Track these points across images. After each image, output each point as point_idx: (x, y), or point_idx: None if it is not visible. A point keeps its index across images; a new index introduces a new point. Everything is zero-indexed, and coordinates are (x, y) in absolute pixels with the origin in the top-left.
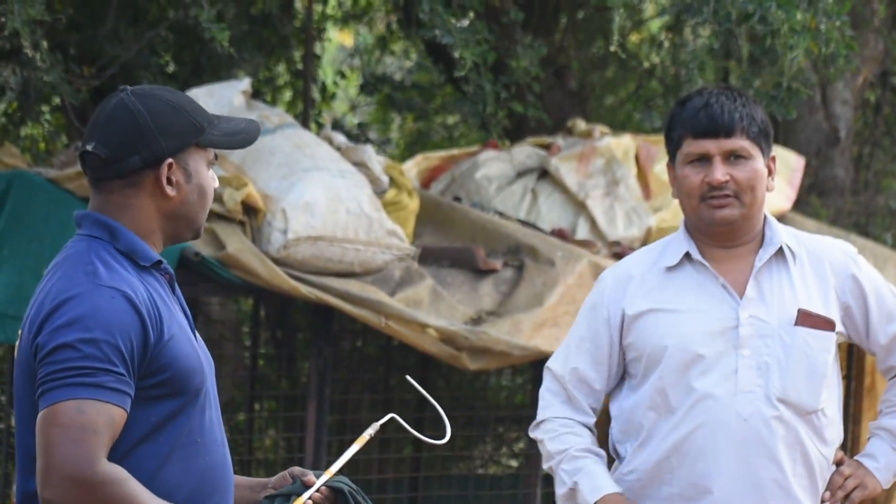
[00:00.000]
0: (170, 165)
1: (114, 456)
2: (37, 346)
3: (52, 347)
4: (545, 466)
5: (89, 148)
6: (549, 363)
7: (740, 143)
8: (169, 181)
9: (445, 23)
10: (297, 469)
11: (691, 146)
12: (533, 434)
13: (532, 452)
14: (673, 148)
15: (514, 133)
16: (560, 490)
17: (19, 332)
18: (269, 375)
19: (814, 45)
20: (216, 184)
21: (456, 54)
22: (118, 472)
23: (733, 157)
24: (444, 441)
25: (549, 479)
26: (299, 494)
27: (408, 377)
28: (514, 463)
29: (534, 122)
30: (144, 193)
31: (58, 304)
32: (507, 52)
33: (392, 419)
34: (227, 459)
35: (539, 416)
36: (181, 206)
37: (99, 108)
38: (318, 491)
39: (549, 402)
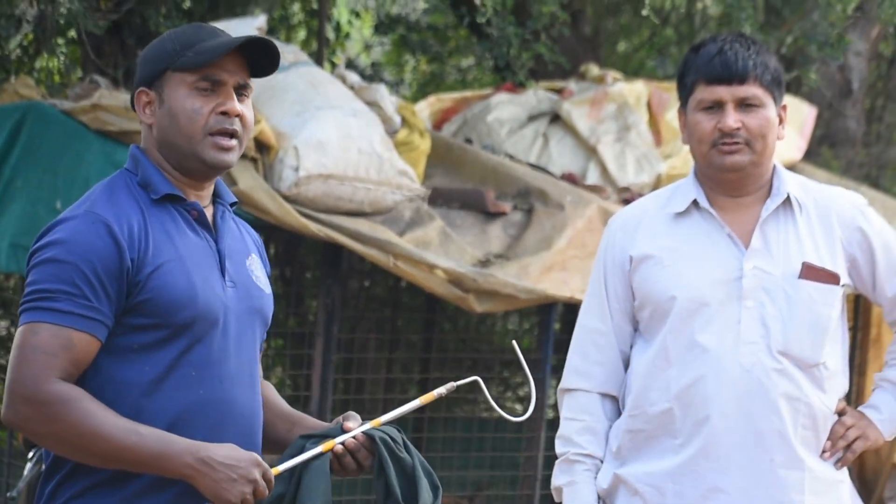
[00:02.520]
0: (143, 93)
1: (97, 380)
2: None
3: (30, 269)
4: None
5: None
6: (580, 320)
7: (753, 90)
8: (147, 109)
9: None
10: (351, 413)
11: (704, 92)
12: (559, 398)
13: (537, 397)
14: (685, 94)
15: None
16: (553, 480)
17: None
18: (277, 313)
19: None
20: (227, 107)
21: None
22: (70, 391)
23: (745, 104)
24: (524, 418)
25: (552, 423)
26: (334, 437)
27: (514, 343)
28: (518, 407)
29: (551, 65)
30: (144, 125)
31: (47, 228)
32: None
33: (474, 381)
34: (237, 399)
35: (566, 381)
36: (159, 132)
37: None
38: (354, 438)
39: (576, 365)
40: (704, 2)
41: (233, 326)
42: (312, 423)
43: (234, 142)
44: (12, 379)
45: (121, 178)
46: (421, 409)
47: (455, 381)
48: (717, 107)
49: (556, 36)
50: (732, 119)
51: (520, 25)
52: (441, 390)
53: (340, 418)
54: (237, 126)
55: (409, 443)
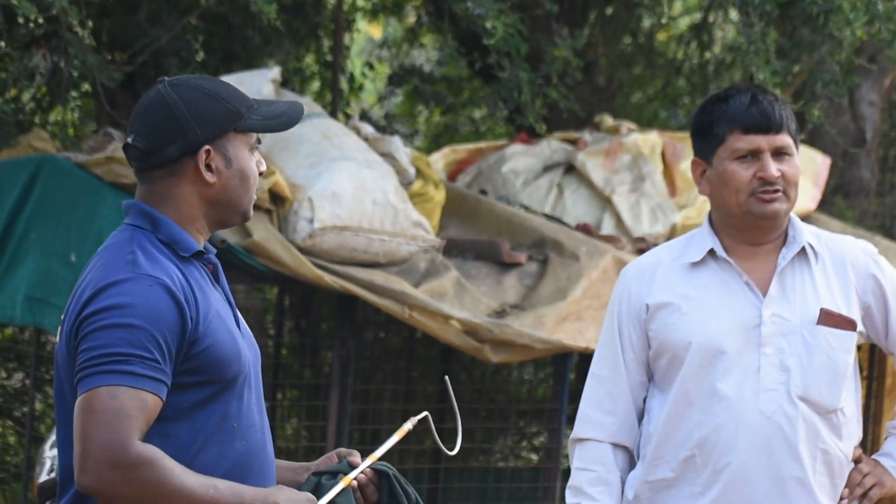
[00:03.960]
0: (207, 152)
1: (150, 441)
2: (76, 333)
3: (88, 333)
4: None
5: (130, 140)
6: (592, 369)
7: (787, 139)
8: (209, 168)
9: None
10: (343, 450)
11: (740, 142)
12: (570, 448)
13: (552, 447)
14: (714, 144)
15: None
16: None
17: (59, 326)
18: (293, 364)
19: (861, 27)
20: (263, 167)
21: (487, 24)
22: (152, 451)
23: (780, 153)
24: (454, 453)
25: (568, 473)
26: (345, 473)
27: (446, 378)
28: (534, 457)
29: (566, 112)
30: (186, 181)
31: (96, 291)
32: (539, 45)
33: (424, 417)
34: (266, 445)
35: (578, 431)
36: (223, 192)
37: (139, 101)
38: (363, 473)
39: (588, 415)
40: (713, 51)
41: (252, 377)
42: (286, 464)
43: None
44: (93, 444)
45: (139, 235)
46: (437, 460)
47: (470, 433)
48: (751, 156)
49: (570, 84)
50: (774, 168)
51: (533, 71)
52: (408, 424)
53: (334, 454)
54: None
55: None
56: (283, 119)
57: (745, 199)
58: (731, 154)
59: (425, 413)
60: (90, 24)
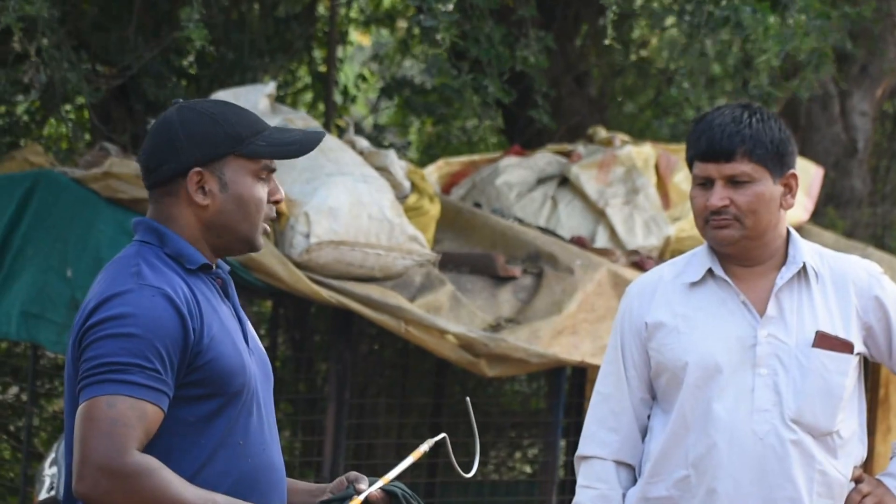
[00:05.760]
0: (200, 174)
1: (153, 454)
2: (79, 344)
3: (91, 342)
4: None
5: (137, 158)
6: (597, 387)
7: (741, 167)
8: (203, 190)
9: (432, 8)
10: (353, 474)
11: (697, 168)
12: (576, 466)
13: (548, 460)
14: (689, 167)
15: (535, 140)
16: None
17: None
18: (286, 377)
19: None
20: (278, 196)
21: (437, 37)
22: (149, 461)
23: (734, 181)
24: (470, 475)
25: (564, 486)
26: (352, 498)
27: (467, 400)
28: (528, 469)
29: (539, 124)
30: (181, 202)
31: (100, 302)
32: (512, 51)
33: (442, 439)
34: (275, 464)
35: (582, 448)
36: (218, 216)
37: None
38: (375, 493)
39: (593, 432)
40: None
41: (261, 393)
42: (303, 486)
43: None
44: (90, 452)
45: (146, 250)
46: (432, 474)
47: (465, 446)
48: (708, 183)
49: (550, 95)
50: (717, 197)
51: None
52: (424, 446)
53: (345, 479)
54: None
55: (418, 499)
56: (295, 147)
57: (702, 225)
58: (693, 180)
59: (443, 435)
60: (63, 35)
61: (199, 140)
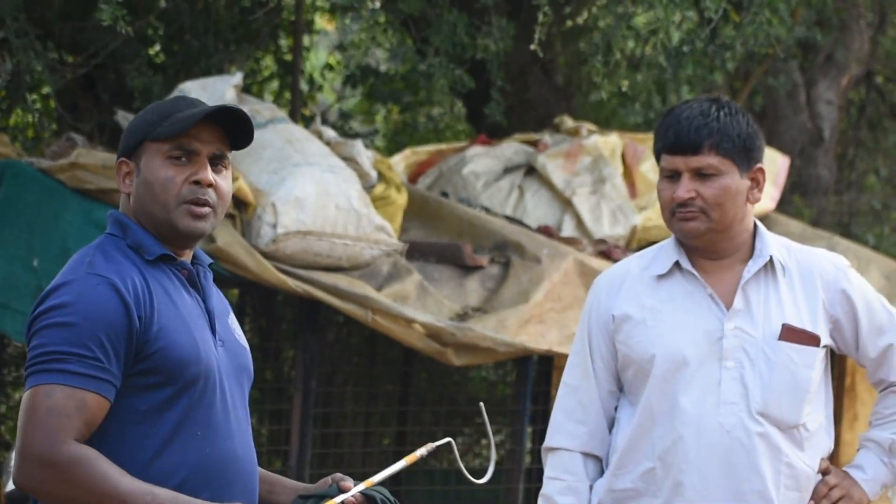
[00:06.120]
0: (124, 164)
1: (105, 443)
2: (29, 331)
3: (35, 331)
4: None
5: None
6: (564, 378)
7: (707, 160)
8: (129, 178)
9: None
10: (338, 475)
11: (664, 161)
12: (543, 457)
13: (515, 448)
14: (657, 159)
15: (503, 129)
16: None
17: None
18: (254, 366)
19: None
20: (201, 176)
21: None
22: (86, 451)
23: (700, 173)
24: (483, 481)
25: (530, 474)
26: (332, 497)
27: (481, 405)
28: (493, 453)
29: (503, 121)
30: (122, 194)
31: (48, 291)
32: (474, 38)
33: (448, 443)
34: (241, 455)
35: (549, 440)
36: (136, 202)
37: None
38: (353, 497)
39: (560, 424)
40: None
41: (227, 384)
42: (290, 483)
43: (206, 210)
44: (26, 441)
45: (109, 241)
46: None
47: (432, 434)
48: (675, 175)
49: (530, 84)
50: (684, 189)
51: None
52: (422, 451)
53: (329, 479)
54: (210, 196)
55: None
56: (187, 119)
57: (669, 217)
58: (661, 172)
59: (448, 439)
60: (28, 24)
61: (127, 133)
